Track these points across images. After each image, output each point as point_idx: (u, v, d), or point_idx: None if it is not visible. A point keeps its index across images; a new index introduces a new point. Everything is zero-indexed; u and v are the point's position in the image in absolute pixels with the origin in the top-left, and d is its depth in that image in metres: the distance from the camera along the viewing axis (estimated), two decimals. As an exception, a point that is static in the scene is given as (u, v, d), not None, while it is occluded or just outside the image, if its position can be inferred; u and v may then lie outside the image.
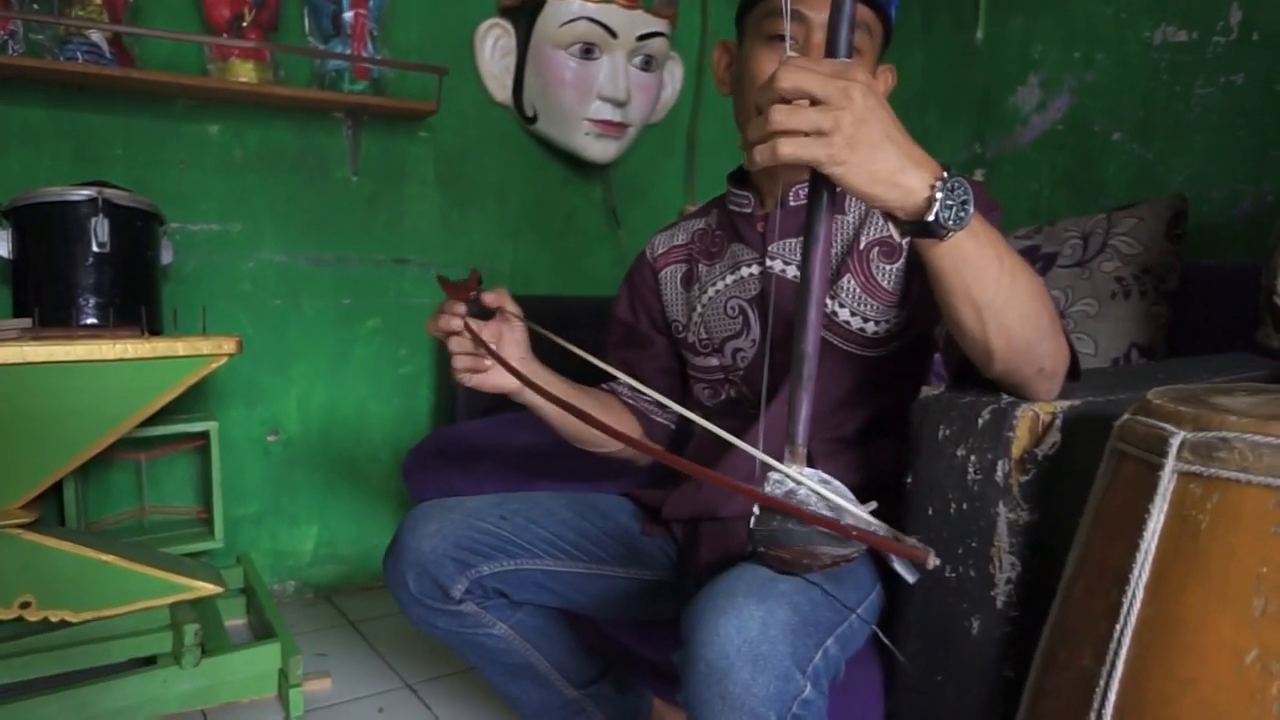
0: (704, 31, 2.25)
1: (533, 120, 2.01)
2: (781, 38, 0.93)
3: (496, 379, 0.94)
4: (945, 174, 0.64)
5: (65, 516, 1.59)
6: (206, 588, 1.42)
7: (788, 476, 0.68)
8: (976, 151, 1.99)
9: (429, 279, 1.99)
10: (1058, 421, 0.75)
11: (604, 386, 1.13)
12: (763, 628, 0.67)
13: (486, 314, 0.96)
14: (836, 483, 0.70)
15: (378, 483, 1.99)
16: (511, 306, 0.96)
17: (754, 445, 0.78)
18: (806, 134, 0.61)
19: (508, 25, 1.97)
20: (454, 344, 0.93)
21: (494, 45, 1.98)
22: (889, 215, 0.67)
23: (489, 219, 2.05)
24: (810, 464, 0.72)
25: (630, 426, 1.11)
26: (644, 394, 1.07)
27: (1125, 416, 0.65)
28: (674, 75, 2.19)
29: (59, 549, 1.32)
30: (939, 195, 0.63)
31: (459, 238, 2.02)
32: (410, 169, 1.94)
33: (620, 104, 1.95)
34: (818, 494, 0.66)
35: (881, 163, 0.62)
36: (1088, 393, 0.79)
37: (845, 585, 0.79)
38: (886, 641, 0.79)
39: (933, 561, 0.58)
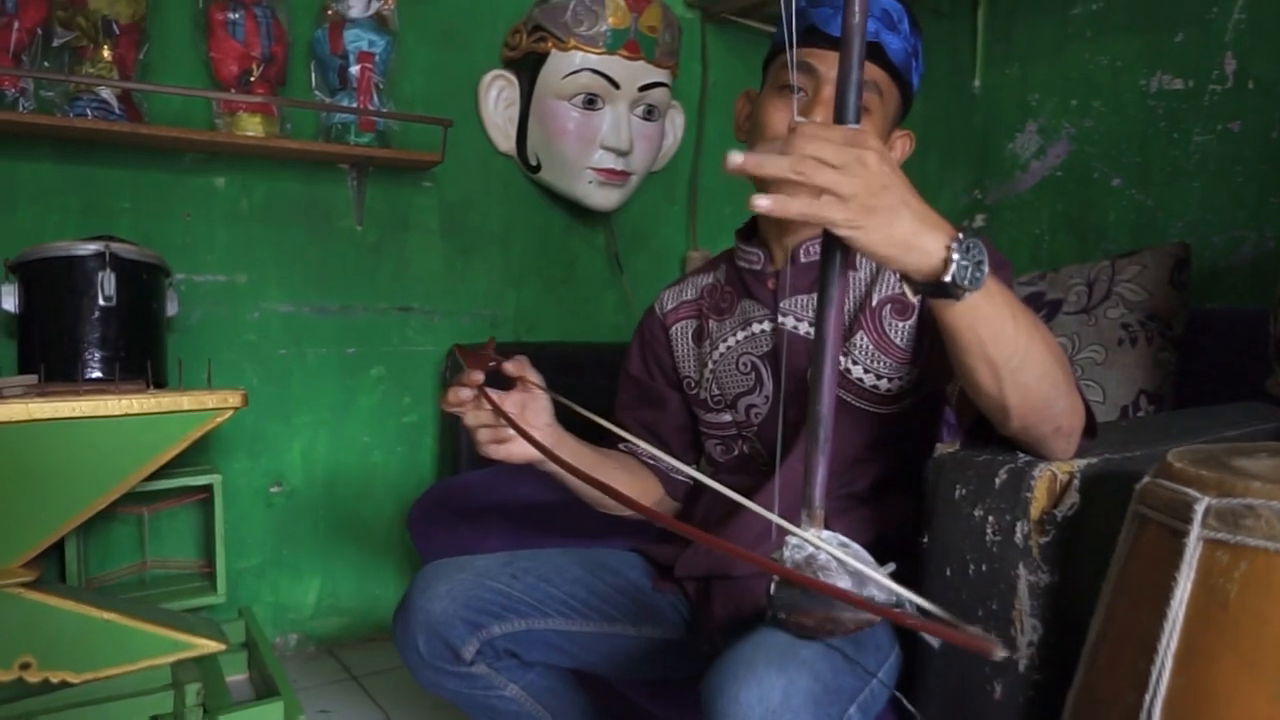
0: (704, 80, 2.28)
1: (536, 169, 2.03)
2: (796, 87, 0.94)
3: (521, 449, 0.91)
4: (960, 235, 0.64)
5: (66, 573, 1.57)
6: (209, 645, 1.40)
7: (806, 541, 0.68)
8: (977, 197, 2.01)
9: (433, 327, 1.99)
10: (1076, 481, 0.74)
11: (623, 447, 1.12)
12: (784, 697, 0.66)
13: (508, 383, 0.94)
14: (855, 546, 0.69)
15: (381, 533, 1.98)
16: (533, 375, 0.94)
17: (768, 502, 0.78)
18: (821, 192, 0.61)
19: (511, 77, 1.99)
20: (470, 417, 0.90)
21: (497, 96, 2.00)
22: (904, 276, 0.67)
23: (493, 266, 2.06)
24: (825, 522, 0.72)
25: (652, 487, 1.11)
26: (661, 459, 1.08)
27: (1146, 479, 0.65)
28: (675, 123, 2.21)
29: (60, 608, 1.30)
30: (955, 257, 0.64)
31: (463, 285, 2.02)
32: (415, 218, 1.96)
33: (623, 153, 1.97)
34: (838, 559, 0.65)
35: (897, 227, 0.63)
36: (1104, 450, 0.79)
37: (865, 648, 0.78)
38: (910, 708, 0.78)
39: (999, 653, 0.52)
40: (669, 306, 1.14)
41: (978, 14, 1.97)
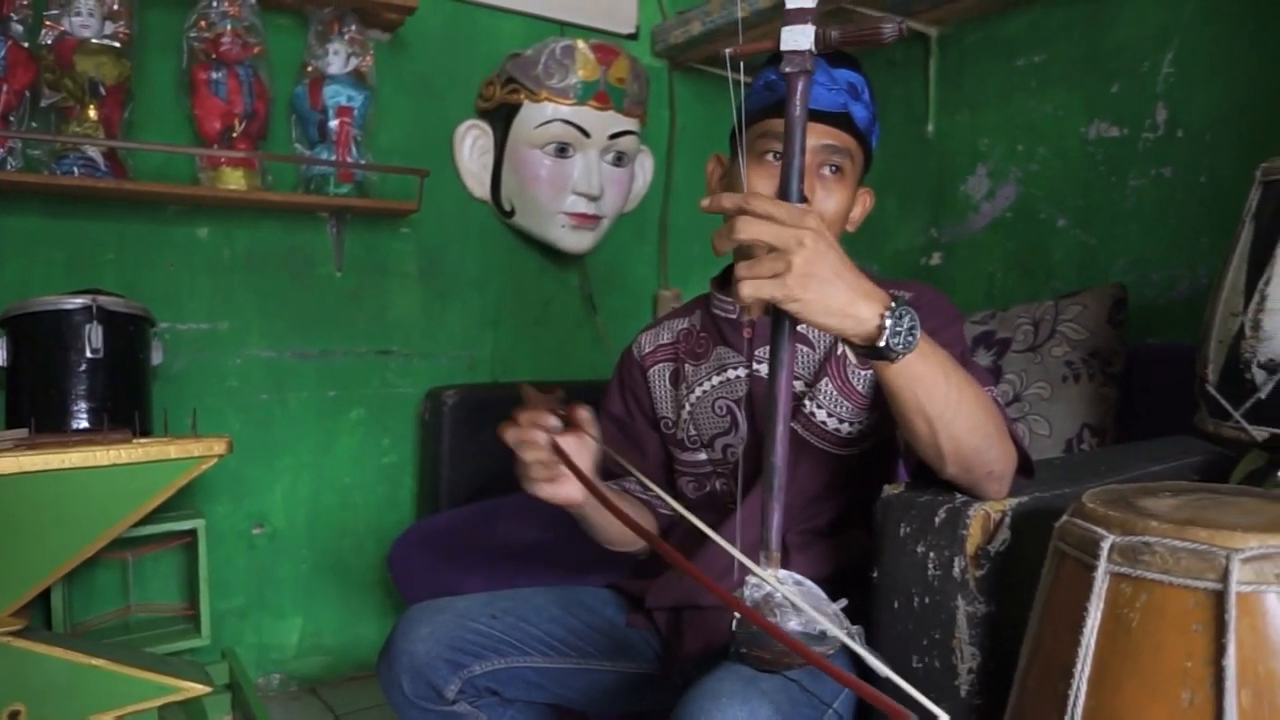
0: (672, 125, 2.37)
1: (510, 214, 2.10)
2: (774, 154, 1.01)
3: (567, 491, 0.93)
4: (893, 304, 0.72)
5: (52, 619, 1.59)
6: (196, 688, 1.43)
7: (764, 580, 0.74)
8: (933, 236, 2.10)
9: (412, 369, 2.04)
10: (1007, 519, 0.81)
11: (615, 485, 1.17)
12: (745, 727, 0.72)
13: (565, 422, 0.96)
14: (809, 584, 0.76)
15: (362, 572, 2.01)
16: (592, 429, 0.96)
17: (731, 537, 0.84)
18: (767, 278, 0.69)
19: (485, 126, 2.07)
20: (527, 452, 0.92)
21: (472, 145, 2.07)
22: (845, 341, 0.74)
23: (469, 309, 2.12)
24: (785, 554, 0.78)
25: (650, 523, 1.15)
26: (650, 490, 1.13)
27: (1064, 518, 0.72)
28: (645, 167, 2.29)
29: (49, 655, 1.33)
30: (888, 323, 0.71)
31: (441, 328, 2.08)
32: (393, 263, 2.02)
33: (594, 198, 2.05)
34: (792, 600, 0.71)
35: (833, 298, 0.70)
36: (1035, 489, 0.86)
37: (822, 679, 0.84)
38: (861, 734, 0.83)
39: None
40: (646, 349, 1.20)
41: (929, 64, 2.08)
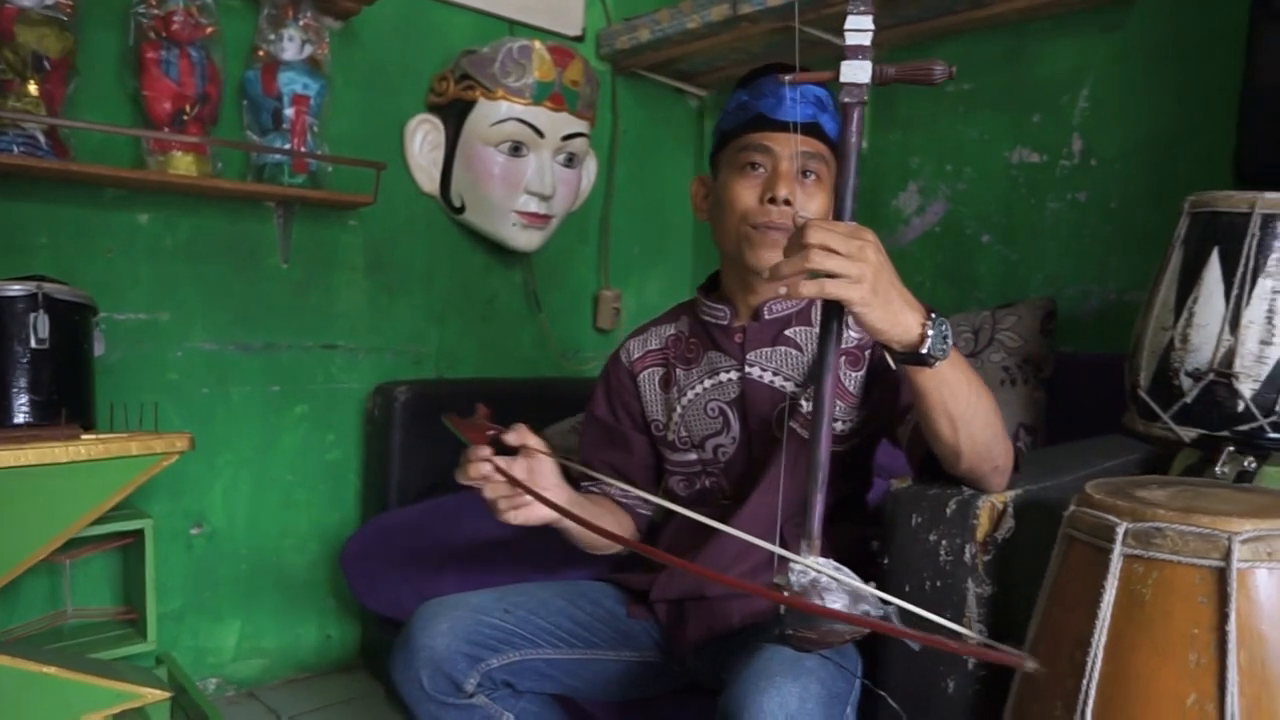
0: (615, 128, 2.41)
1: (460, 210, 2.09)
2: (753, 165, 1.08)
3: (539, 512, 0.97)
4: (932, 315, 0.80)
5: (-16, 627, 1.49)
6: (153, 694, 1.38)
7: (809, 567, 0.80)
8: (865, 246, 2.23)
9: (358, 364, 2.01)
10: (1010, 509, 0.91)
11: (594, 488, 1.21)
12: (800, 702, 0.78)
13: (508, 447, 0.99)
14: (846, 569, 0.83)
15: (304, 571, 1.96)
16: (534, 441, 1.00)
17: (759, 529, 0.90)
18: (838, 276, 0.74)
19: (436, 121, 2.06)
20: (488, 490, 0.95)
21: (423, 139, 2.05)
22: (886, 346, 0.81)
23: (416, 304, 2.10)
24: (784, 546, 0.84)
25: (627, 524, 1.20)
26: (631, 493, 1.17)
27: (1072, 508, 0.82)
28: (589, 168, 2.32)
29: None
30: (930, 332, 0.79)
31: (387, 322, 2.05)
32: (340, 256, 1.98)
33: (546, 198, 2.07)
34: (841, 581, 0.78)
35: (891, 305, 0.77)
36: (1026, 483, 0.96)
37: (846, 656, 0.91)
38: (893, 704, 0.91)
39: (1030, 665, 0.63)
40: (635, 355, 1.24)
41: (865, 84, 2.20)
